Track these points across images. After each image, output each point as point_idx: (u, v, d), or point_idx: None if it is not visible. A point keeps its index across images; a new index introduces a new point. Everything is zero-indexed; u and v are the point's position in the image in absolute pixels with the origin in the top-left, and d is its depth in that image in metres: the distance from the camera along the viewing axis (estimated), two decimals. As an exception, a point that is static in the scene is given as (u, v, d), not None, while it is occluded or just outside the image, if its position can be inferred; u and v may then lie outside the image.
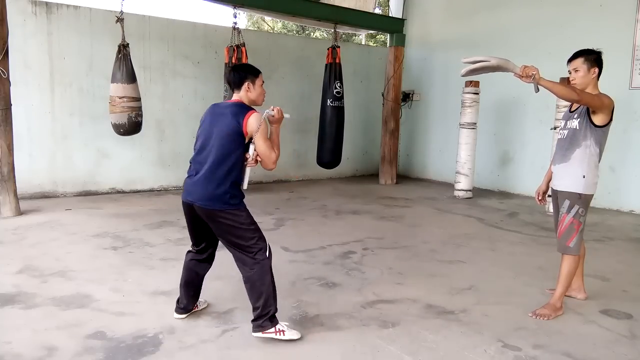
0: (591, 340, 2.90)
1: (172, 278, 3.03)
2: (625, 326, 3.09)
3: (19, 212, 5.60)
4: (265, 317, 2.75)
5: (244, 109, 2.76)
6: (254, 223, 2.83)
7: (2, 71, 5.29)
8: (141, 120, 6.17)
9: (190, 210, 2.83)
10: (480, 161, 8.07)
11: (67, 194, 6.87)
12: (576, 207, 3.16)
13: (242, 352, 2.65)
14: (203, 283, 3.09)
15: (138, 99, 6.09)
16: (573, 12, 7.16)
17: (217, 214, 2.73)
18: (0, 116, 5.36)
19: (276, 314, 2.80)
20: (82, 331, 2.82)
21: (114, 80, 5.95)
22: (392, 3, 10.16)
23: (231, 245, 2.80)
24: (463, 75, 3.09)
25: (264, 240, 2.83)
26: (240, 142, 2.72)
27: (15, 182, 5.57)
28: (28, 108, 6.47)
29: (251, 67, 2.90)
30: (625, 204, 6.76)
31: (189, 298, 3.04)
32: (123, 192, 7.28)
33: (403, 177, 9.63)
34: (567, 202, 3.19)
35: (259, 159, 2.77)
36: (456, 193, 7.63)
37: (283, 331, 2.77)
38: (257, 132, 2.69)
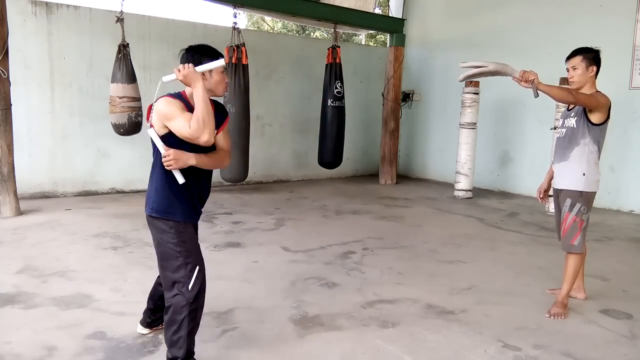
0: (591, 340, 2.90)
1: (172, 278, 3.07)
2: (625, 326, 3.09)
3: (19, 212, 5.60)
4: None
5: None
6: (184, 246, 2.28)
7: (2, 71, 5.29)
8: (141, 120, 6.18)
9: None
10: (480, 161, 8.06)
11: (67, 194, 6.86)
12: (578, 205, 3.17)
13: (242, 352, 2.64)
14: None
15: (138, 99, 6.11)
16: (573, 12, 7.16)
17: (148, 220, 2.37)
18: (0, 116, 5.36)
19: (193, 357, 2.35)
20: (82, 331, 2.82)
21: (114, 80, 5.97)
22: (392, 3, 10.16)
23: (158, 261, 2.36)
24: (461, 80, 3.13)
25: (192, 270, 2.25)
26: (161, 136, 2.27)
27: (15, 182, 5.57)
28: (28, 108, 6.47)
29: (209, 49, 2.33)
30: (625, 204, 6.76)
31: (149, 312, 2.76)
32: (123, 192, 7.28)
33: (403, 177, 9.63)
34: (569, 201, 3.20)
35: (171, 157, 2.17)
36: (456, 193, 7.62)
37: None
38: (166, 118, 2.20)
